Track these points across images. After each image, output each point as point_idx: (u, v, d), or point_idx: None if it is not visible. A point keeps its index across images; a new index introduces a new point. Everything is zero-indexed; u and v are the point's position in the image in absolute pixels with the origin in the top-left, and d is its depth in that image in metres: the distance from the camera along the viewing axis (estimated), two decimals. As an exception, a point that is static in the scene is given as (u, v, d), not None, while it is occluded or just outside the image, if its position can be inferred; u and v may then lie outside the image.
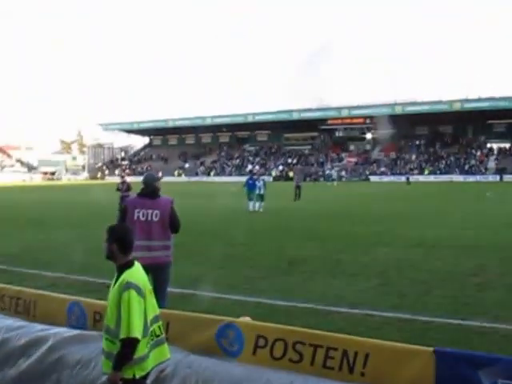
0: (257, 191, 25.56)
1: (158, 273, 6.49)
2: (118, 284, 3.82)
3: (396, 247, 13.99)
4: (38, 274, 10.78)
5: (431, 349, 4.17)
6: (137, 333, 3.62)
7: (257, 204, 25.54)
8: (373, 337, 4.60)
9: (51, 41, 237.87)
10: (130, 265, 3.92)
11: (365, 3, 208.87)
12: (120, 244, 3.92)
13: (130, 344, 3.63)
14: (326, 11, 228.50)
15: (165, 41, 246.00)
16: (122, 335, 3.63)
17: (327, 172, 69.81)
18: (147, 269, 6.11)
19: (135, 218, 6.65)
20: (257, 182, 25.82)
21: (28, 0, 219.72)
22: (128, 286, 3.73)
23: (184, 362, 4.56)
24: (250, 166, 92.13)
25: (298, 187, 33.91)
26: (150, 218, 6.62)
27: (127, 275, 3.81)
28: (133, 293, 3.70)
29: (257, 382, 4.28)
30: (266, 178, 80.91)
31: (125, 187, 21.92)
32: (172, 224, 6.71)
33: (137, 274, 3.90)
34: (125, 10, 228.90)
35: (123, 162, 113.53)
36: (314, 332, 4.70)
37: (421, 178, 73.86)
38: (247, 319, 5.37)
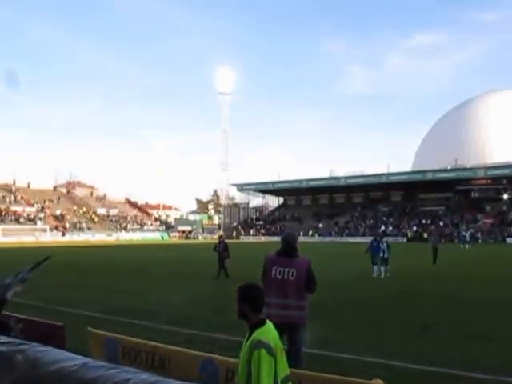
0: (381, 254, 23.96)
1: (292, 332, 6.60)
2: (249, 342, 3.87)
3: None
4: (174, 330, 11.00)
5: None
6: None
7: (382, 268, 23.85)
8: None
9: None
10: (261, 323, 3.97)
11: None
12: (250, 303, 4.00)
13: None
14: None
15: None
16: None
17: (462, 233, 67.12)
18: (281, 328, 6.07)
19: (272, 275, 6.69)
20: (380, 245, 24.28)
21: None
22: (259, 344, 3.77)
23: None
24: (383, 227, 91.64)
25: (434, 249, 31.93)
26: (286, 277, 6.60)
27: (258, 334, 3.87)
28: (263, 352, 3.74)
29: None
30: (399, 238, 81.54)
31: (221, 247, 22.10)
32: (308, 284, 6.65)
33: (268, 332, 3.93)
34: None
35: (258, 222, 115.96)
36: None
37: None
38: (379, 382, 5.19)
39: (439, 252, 31.87)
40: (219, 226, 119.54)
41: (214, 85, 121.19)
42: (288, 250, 6.81)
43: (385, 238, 27.23)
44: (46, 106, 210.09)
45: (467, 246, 54.72)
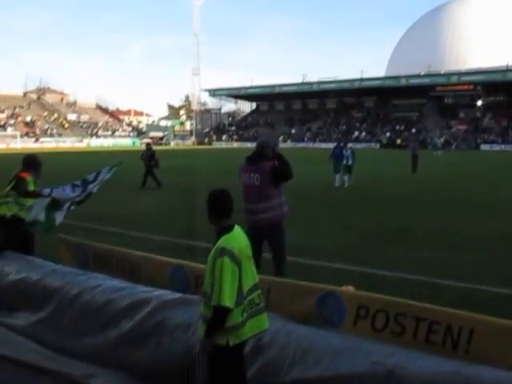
0: (344, 162, 22.48)
1: (266, 236, 6.79)
2: (213, 250, 3.79)
3: (508, 220, 13.66)
4: (146, 237, 11.04)
5: None
6: (227, 301, 3.58)
7: (345, 177, 22.49)
8: (479, 312, 4.37)
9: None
10: (227, 230, 3.88)
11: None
12: (215, 209, 3.95)
13: (221, 312, 3.61)
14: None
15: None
16: (213, 302, 3.62)
17: (434, 140, 67.39)
18: (257, 233, 6.46)
19: (243, 182, 6.89)
20: (344, 151, 22.87)
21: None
22: (222, 252, 3.68)
23: (283, 331, 4.48)
24: (356, 133, 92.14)
25: (415, 157, 29.75)
26: (252, 182, 6.74)
27: (223, 241, 3.78)
28: (226, 259, 3.65)
29: (357, 354, 4.13)
30: (372, 145, 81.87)
31: (148, 155, 21.55)
32: (276, 178, 6.71)
33: (234, 239, 3.84)
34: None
35: (230, 128, 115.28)
36: (417, 304, 4.55)
37: None
38: (350, 288, 5.27)
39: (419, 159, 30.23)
40: (191, 132, 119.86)
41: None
42: (255, 156, 6.91)
43: (349, 144, 26.23)
44: (19, 11, 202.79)
45: (439, 153, 54.75)
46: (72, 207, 7.87)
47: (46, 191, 7.75)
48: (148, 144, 23.20)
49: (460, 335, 4.20)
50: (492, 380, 3.62)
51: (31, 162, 7.92)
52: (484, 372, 3.72)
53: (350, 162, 22.39)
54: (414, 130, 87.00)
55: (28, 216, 7.45)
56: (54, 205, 7.62)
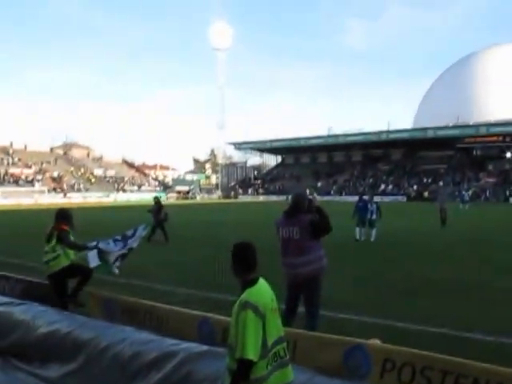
0: (368, 216, 21.69)
1: (303, 290, 6.82)
2: (237, 302, 3.81)
3: None
4: (172, 290, 11.12)
5: None
6: (250, 354, 3.60)
7: (371, 231, 21.50)
8: (508, 366, 4.30)
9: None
10: (252, 283, 3.91)
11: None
12: (240, 262, 3.97)
13: (244, 364, 3.62)
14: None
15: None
16: (237, 355, 3.64)
17: (462, 193, 64.95)
18: (295, 286, 6.75)
19: (281, 236, 6.92)
20: (369, 206, 22.03)
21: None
22: (245, 305, 3.71)
23: (310, 383, 4.51)
24: (383, 186, 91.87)
25: (443, 210, 28.94)
26: (291, 235, 6.76)
27: (246, 294, 3.80)
28: (249, 313, 3.67)
29: None
30: (399, 198, 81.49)
31: (155, 209, 21.43)
32: (316, 232, 6.76)
33: (258, 292, 3.85)
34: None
35: (256, 181, 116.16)
36: (443, 357, 4.54)
37: None
38: (377, 342, 5.28)
39: (448, 212, 29.17)
40: (217, 185, 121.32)
41: (210, 40, 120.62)
42: (292, 209, 6.90)
43: (376, 198, 24.80)
44: (43, 68, 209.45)
45: (467, 207, 53.14)
46: (117, 263, 8.23)
47: (93, 243, 8.08)
48: (156, 197, 23.01)
49: None
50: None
51: (65, 214, 8.25)
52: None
53: (374, 217, 21.68)
54: (441, 183, 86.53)
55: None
56: (101, 256, 8.01)
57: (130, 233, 8.43)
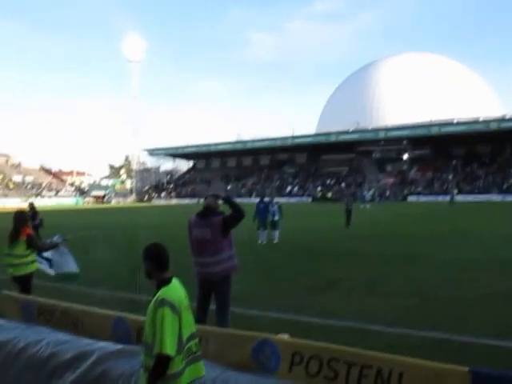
0: (270, 218, 21.49)
1: (214, 289, 6.99)
2: (153, 301, 3.88)
3: (432, 267, 14.03)
4: (88, 291, 11.22)
5: (466, 369, 4.11)
6: (169, 350, 3.70)
7: (274, 233, 21.35)
8: (408, 356, 4.49)
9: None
10: (166, 282, 3.99)
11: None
12: (154, 262, 4.04)
13: (163, 360, 3.70)
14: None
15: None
16: (155, 351, 3.72)
17: (364, 193, 66.07)
18: (205, 285, 6.94)
19: (193, 236, 7.05)
20: (270, 207, 21.72)
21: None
22: (162, 303, 3.80)
23: (220, 378, 4.57)
24: (289, 188, 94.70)
25: (348, 211, 29.51)
26: (204, 236, 6.91)
27: (162, 292, 3.89)
28: (166, 310, 3.77)
29: None
30: (304, 199, 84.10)
31: (31, 214, 19.47)
32: (228, 224, 6.94)
33: (173, 290, 3.95)
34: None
35: (169, 185, 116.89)
36: (348, 349, 4.65)
37: (459, 198, 70.86)
38: (286, 336, 5.28)
39: (353, 214, 30.06)
40: (131, 190, 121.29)
41: (124, 53, 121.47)
42: (205, 211, 7.09)
43: (276, 199, 24.29)
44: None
45: (368, 206, 54.73)
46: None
47: (56, 238, 9.21)
48: (31, 203, 22.09)
49: (390, 378, 4.31)
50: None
51: (25, 218, 8.87)
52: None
53: (276, 218, 21.47)
54: (343, 185, 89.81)
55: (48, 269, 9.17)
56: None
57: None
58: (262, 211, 21.53)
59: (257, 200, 23.00)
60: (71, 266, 9.23)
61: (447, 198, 64.92)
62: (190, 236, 7.16)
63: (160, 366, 3.72)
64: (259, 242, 21.07)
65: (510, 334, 7.62)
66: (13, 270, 8.58)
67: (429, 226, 28.55)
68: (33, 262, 8.74)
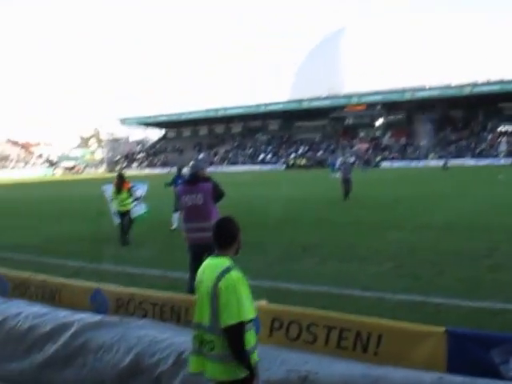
0: None
1: (208, 251, 7.12)
2: (213, 274, 3.50)
3: (407, 231, 14.10)
4: (63, 263, 11.13)
5: (443, 329, 4.27)
6: (251, 314, 3.39)
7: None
8: (386, 318, 4.60)
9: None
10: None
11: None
12: (230, 236, 3.83)
13: (239, 329, 3.32)
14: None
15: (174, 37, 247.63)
16: (233, 321, 3.30)
17: (332, 160, 61.19)
18: (202, 250, 6.79)
19: (184, 203, 7.39)
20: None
21: None
22: (229, 268, 3.47)
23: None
24: (262, 155, 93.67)
25: (346, 181, 24.83)
26: (195, 202, 7.24)
27: (221, 261, 3.59)
28: (236, 273, 3.47)
29: (272, 362, 4.27)
30: (277, 166, 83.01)
31: None
32: (217, 198, 7.40)
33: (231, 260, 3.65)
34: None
35: (140, 155, 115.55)
36: (327, 314, 4.76)
37: (432, 163, 72.74)
38: (264, 303, 5.33)
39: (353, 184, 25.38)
40: (102, 160, 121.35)
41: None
42: (192, 178, 7.41)
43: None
44: None
45: (337, 175, 50.88)
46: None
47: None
48: None
49: (369, 340, 4.49)
50: (399, 379, 3.89)
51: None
52: (392, 372, 3.99)
53: None
54: (320, 152, 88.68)
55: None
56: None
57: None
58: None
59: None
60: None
61: (427, 163, 66.81)
62: (181, 204, 7.46)
63: (240, 335, 3.31)
64: (173, 226, 16.20)
65: (485, 294, 7.77)
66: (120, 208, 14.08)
67: (402, 192, 28.63)
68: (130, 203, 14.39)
